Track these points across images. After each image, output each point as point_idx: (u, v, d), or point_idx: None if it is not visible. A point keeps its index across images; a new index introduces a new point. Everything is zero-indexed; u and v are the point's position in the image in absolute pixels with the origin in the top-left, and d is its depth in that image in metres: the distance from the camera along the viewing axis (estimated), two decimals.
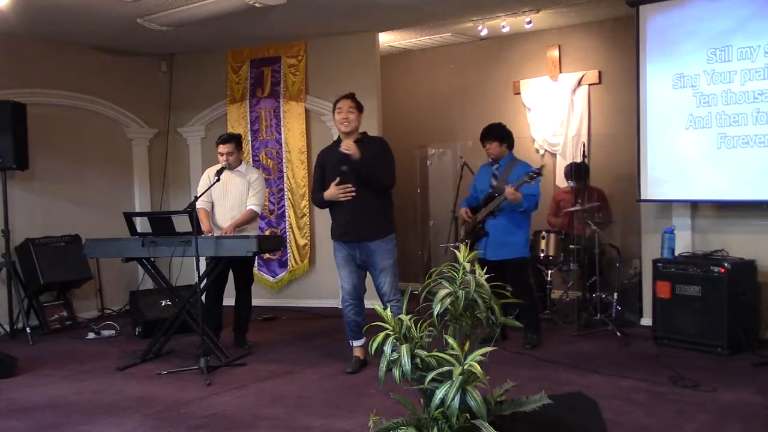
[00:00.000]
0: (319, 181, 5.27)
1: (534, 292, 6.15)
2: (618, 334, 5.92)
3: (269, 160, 7.99)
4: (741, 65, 5.53)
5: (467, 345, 2.50)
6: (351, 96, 5.21)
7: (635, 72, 6.12)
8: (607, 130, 7.59)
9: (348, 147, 4.98)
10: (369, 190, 5.05)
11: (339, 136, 5.27)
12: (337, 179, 5.06)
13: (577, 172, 6.60)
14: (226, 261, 5.56)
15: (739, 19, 5.53)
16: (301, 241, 7.89)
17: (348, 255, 5.18)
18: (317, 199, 5.29)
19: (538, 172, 5.44)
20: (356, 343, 5.26)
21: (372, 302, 4.80)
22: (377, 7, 6.48)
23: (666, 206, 6.20)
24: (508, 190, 5.42)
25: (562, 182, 7.47)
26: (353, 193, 5.03)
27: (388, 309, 2.59)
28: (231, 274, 5.96)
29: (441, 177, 8.47)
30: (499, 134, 5.86)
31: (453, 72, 8.64)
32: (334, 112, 5.22)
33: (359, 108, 5.19)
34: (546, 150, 7.94)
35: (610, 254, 6.81)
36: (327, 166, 5.21)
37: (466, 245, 2.76)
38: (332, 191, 5.08)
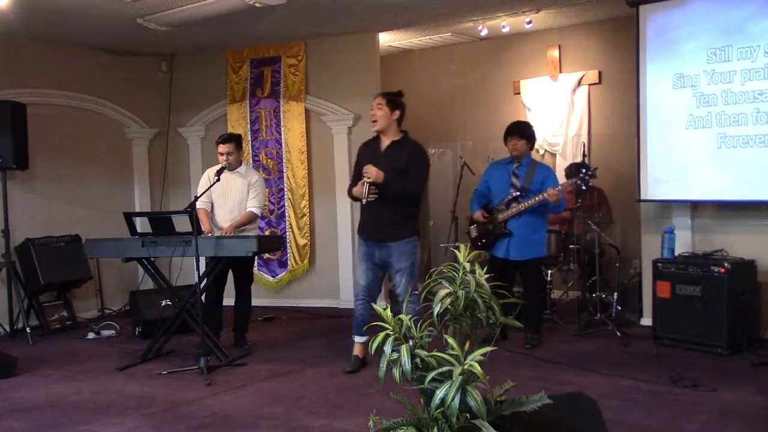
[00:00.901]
0: (354, 175, 5.23)
1: (541, 293, 6.16)
2: (618, 334, 5.92)
3: (269, 160, 7.99)
4: (741, 65, 5.53)
5: (467, 345, 2.50)
6: (384, 93, 5.13)
7: (635, 72, 6.12)
8: (607, 130, 7.59)
9: (368, 172, 4.86)
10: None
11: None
12: (364, 179, 4.94)
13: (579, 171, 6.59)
14: (226, 261, 5.56)
15: (739, 19, 5.53)
16: (301, 241, 7.89)
17: (367, 252, 5.16)
18: (348, 192, 5.27)
19: (593, 174, 5.48)
20: (358, 339, 5.24)
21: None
22: (377, 7, 6.48)
23: (666, 206, 6.20)
24: (552, 191, 5.38)
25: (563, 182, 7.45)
26: (375, 195, 4.89)
27: (388, 309, 2.59)
28: (231, 274, 5.96)
29: (441, 177, 8.47)
30: (528, 132, 5.79)
31: (453, 72, 8.64)
32: None
33: (392, 105, 5.02)
34: (546, 150, 7.94)
35: (610, 254, 6.81)
36: (363, 162, 5.08)
37: (482, 245, 2.75)
38: (358, 189, 5.01)
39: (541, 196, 5.45)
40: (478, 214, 5.78)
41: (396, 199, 4.94)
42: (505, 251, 5.63)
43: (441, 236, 7.78)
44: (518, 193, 5.61)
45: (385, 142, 5.11)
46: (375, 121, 5.05)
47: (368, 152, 5.15)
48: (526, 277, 5.78)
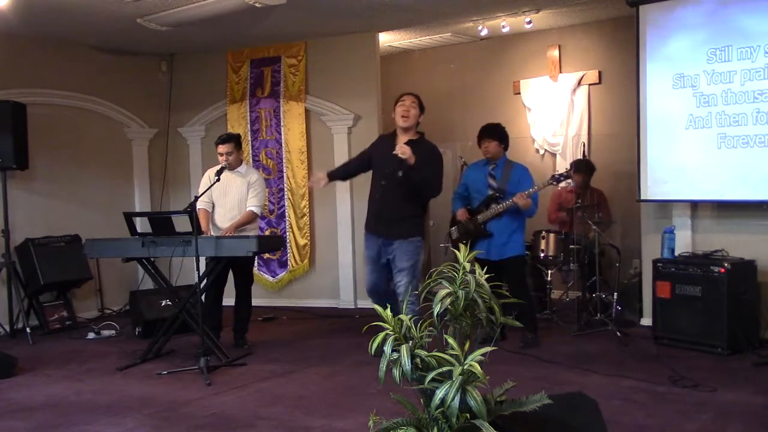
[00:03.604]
0: (354, 157, 5.53)
1: (529, 291, 6.15)
2: (618, 334, 5.91)
3: (269, 160, 7.99)
4: (741, 65, 5.53)
5: (467, 345, 2.50)
6: (415, 94, 5.31)
7: (635, 72, 6.12)
8: (607, 130, 7.59)
9: (404, 152, 4.93)
10: (403, 191, 5.10)
11: (396, 130, 5.29)
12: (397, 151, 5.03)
13: (583, 166, 6.62)
14: (226, 261, 5.56)
15: (739, 19, 5.53)
16: (301, 241, 7.89)
17: (371, 252, 5.28)
18: (336, 170, 5.59)
19: (567, 176, 5.57)
20: None
21: (370, 302, 4.82)
22: (377, 7, 6.48)
23: (666, 206, 6.19)
24: (519, 196, 5.46)
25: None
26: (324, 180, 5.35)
27: (388, 309, 2.59)
28: (231, 274, 5.96)
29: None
30: (499, 134, 5.86)
31: (453, 72, 8.64)
32: (395, 105, 5.24)
33: (422, 108, 5.25)
34: (546, 150, 7.94)
35: (610, 254, 6.81)
36: (376, 155, 5.31)
37: (465, 245, 2.75)
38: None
39: (511, 201, 5.53)
40: (462, 212, 5.87)
41: (417, 187, 5.07)
42: (486, 252, 5.65)
43: (441, 236, 7.77)
44: (497, 194, 5.68)
45: (403, 139, 5.19)
46: (407, 117, 5.16)
47: (385, 145, 5.26)
48: (509, 276, 5.78)
